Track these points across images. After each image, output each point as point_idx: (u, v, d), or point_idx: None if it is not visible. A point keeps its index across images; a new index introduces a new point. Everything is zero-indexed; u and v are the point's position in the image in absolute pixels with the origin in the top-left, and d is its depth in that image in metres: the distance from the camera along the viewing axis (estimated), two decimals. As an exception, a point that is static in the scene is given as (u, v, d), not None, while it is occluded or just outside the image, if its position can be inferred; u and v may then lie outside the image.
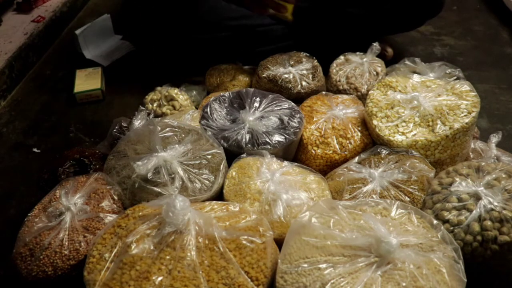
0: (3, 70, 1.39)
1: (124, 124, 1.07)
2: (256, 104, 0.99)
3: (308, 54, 1.22)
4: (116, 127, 1.06)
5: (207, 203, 0.76)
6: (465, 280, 0.62)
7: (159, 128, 0.89)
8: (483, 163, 0.80)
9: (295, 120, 0.97)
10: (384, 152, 0.90)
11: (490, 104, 1.31)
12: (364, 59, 1.20)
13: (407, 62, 1.19)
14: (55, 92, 1.44)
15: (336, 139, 0.96)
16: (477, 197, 0.73)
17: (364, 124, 1.00)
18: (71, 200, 0.79)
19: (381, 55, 1.25)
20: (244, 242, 0.68)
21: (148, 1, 1.35)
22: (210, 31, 1.34)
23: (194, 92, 1.26)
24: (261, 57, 1.24)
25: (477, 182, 0.75)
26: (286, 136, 0.94)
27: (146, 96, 1.21)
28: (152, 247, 0.66)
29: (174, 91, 1.18)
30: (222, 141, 0.93)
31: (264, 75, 1.17)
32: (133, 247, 0.66)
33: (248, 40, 1.37)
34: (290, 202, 0.81)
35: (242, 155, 0.91)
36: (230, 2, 1.28)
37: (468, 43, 1.62)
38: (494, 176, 0.75)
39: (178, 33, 1.34)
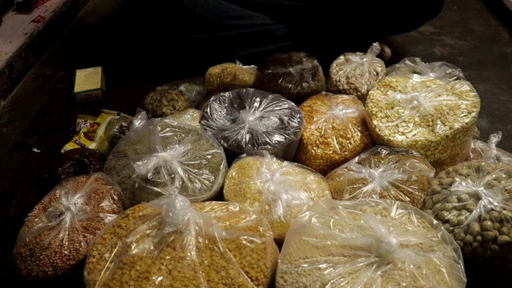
0: (3, 70, 1.39)
1: (124, 124, 1.07)
2: (256, 104, 0.99)
3: (308, 54, 1.22)
4: (116, 127, 1.06)
5: (207, 203, 0.76)
6: (465, 280, 0.62)
7: (159, 128, 0.89)
8: (483, 163, 0.80)
9: (295, 120, 0.97)
10: (384, 152, 0.90)
11: (490, 104, 1.31)
12: (364, 59, 1.20)
13: (407, 61, 1.19)
14: (55, 92, 1.44)
15: (336, 139, 0.96)
16: (477, 197, 0.73)
17: (364, 124, 0.99)
18: (71, 200, 0.79)
19: (379, 56, 1.25)
20: (244, 242, 0.67)
21: (148, 1, 1.35)
22: (210, 31, 1.34)
23: (194, 92, 1.26)
24: (261, 57, 1.24)
25: (477, 182, 0.75)
26: (286, 136, 0.94)
27: (146, 96, 1.21)
28: (152, 247, 0.66)
29: (174, 91, 1.18)
30: (222, 141, 0.93)
31: (264, 75, 1.16)
32: (133, 247, 0.66)
33: (248, 40, 1.37)
34: (290, 202, 0.81)
35: (242, 155, 0.91)
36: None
37: (468, 43, 1.62)
38: (494, 176, 0.75)
39: (178, 32, 1.34)
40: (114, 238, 0.69)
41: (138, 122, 1.00)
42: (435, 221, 0.69)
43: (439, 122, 0.89)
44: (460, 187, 0.75)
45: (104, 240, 0.70)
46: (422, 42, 1.62)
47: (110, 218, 0.79)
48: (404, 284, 0.59)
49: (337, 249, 0.63)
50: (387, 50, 1.43)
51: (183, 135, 0.90)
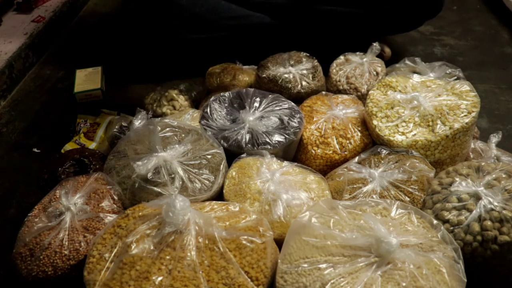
0: (3, 70, 1.39)
1: (124, 124, 1.07)
2: (256, 104, 0.99)
3: (308, 54, 1.22)
4: (116, 127, 1.06)
5: (207, 203, 0.76)
6: (465, 280, 0.62)
7: (159, 128, 0.89)
8: (483, 163, 0.80)
9: (295, 120, 0.97)
10: (384, 152, 0.90)
11: (490, 104, 1.31)
12: (364, 59, 1.20)
13: (407, 61, 1.19)
14: (55, 92, 1.44)
15: (336, 139, 0.96)
16: (477, 197, 0.73)
17: (364, 124, 0.99)
18: (71, 200, 0.79)
19: (379, 56, 1.25)
20: (244, 242, 0.68)
21: (148, 1, 1.35)
22: (210, 31, 1.34)
23: (194, 92, 1.26)
24: (261, 57, 1.24)
25: (477, 182, 0.75)
26: (286, 136, 0.94)
27: (146, 96, 1.21)
28: (152, 247, 0.66)
29: (174, 91, 1.18)
30: (222, 141, 0.93)
31: (264, 75, 1.16)
32: (133, 247, 0.66)
33: (248, 40, 1.37)
34: (290, 202, 0.81)
35: (242, 155, 0.91)
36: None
37: (468, 43, 1.62)
38: (494, 176, 0.75)
39: (178, 32, 1.34)
40: (114, 238, 0.69)
41: (138, 122, 1.00)
42: (435, 221, 0.69)
43: (439, 122, 0.89)
44: (460, 187, 0.75)
45: (104, 240, 0.70)
46: (422, 42, 1.62)
47: (110, 218, 0.79)
48: (404, 284, 0.59)
49: (337, 249, 0.63)
50: (387, 50, 1.43)
51: (183, 135, 0.90)
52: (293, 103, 1.02)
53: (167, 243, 0.66)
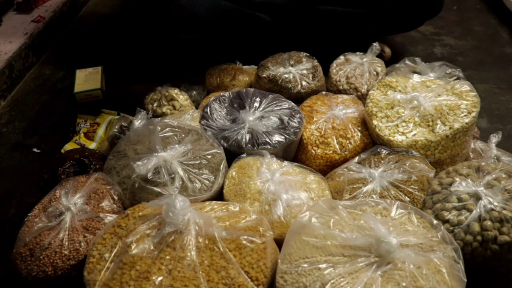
0: (3, 70, 1.39)
1: (124, 124, 1.07)
2: (256, 104, 0.99)
3: (308, 54, 1.22)
4: (116, 127, 1.06)
5: (207, 203, 0.76)
6: (465, 280, 0.62)
7: (159, 128, 0.89)
8: (483, 163, 0.80)
9: (295, 120, 0.97)
10: (384, 152, 0.90)
11: (490, 104, 1.31)
12: (364, 59, 1.20)
13: (407, 61, 1.19)
14: (55, 92, 1.44)
15: (336, 139, 0.96)
16: (477, 197, 0.73)
17: (364, 124, 0.99)
18: (71, 200, 0.79)
19: (379, 56, 1.25)
20: (244, 242, 0.67)
21: (147, 2, 1.35)
22: (210, 31, 1.34)
23: (194, 92, 1.26)
24: (261, 57, 1.24)
25: (477, 182, 0.75)
26: (286, 136, 0.94)
27: (146, 96, 1.21)
28: (152, 247, 0.66)
29: (174, 91, 1.18)
30: (222, 141, 0.93)
31: (264, 75, 1.17)
32: (133, 247, 0.66)
33: (248, 40, 1.37)
34: (290, 202, 0.81)
35: (242, 155, 0.91)
36: None
37: (468, 43, 1.62)
38: (494, 176, 0.75)
39: (178, 32, 1.34)
40: (114, 238, 0.69)
41: (138, 122, 1.00)
42: (435, 221, 0.69)
43: (439, 122, 0.89)
44: (460, 187, 0.75)
45: (104, 240, 0.70)
46: (422, 42, 1.62)
47: (110, 218, 0.79)
48: (404, 284, 0.59)
49: (337, 249, 0.63)
50: (387, 50, 1.43)
51: (183, 135, 0.90)
52: (293, 103, 1.02)
53: (167, 243, 0.66)
